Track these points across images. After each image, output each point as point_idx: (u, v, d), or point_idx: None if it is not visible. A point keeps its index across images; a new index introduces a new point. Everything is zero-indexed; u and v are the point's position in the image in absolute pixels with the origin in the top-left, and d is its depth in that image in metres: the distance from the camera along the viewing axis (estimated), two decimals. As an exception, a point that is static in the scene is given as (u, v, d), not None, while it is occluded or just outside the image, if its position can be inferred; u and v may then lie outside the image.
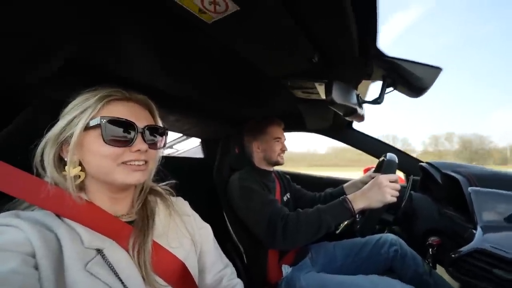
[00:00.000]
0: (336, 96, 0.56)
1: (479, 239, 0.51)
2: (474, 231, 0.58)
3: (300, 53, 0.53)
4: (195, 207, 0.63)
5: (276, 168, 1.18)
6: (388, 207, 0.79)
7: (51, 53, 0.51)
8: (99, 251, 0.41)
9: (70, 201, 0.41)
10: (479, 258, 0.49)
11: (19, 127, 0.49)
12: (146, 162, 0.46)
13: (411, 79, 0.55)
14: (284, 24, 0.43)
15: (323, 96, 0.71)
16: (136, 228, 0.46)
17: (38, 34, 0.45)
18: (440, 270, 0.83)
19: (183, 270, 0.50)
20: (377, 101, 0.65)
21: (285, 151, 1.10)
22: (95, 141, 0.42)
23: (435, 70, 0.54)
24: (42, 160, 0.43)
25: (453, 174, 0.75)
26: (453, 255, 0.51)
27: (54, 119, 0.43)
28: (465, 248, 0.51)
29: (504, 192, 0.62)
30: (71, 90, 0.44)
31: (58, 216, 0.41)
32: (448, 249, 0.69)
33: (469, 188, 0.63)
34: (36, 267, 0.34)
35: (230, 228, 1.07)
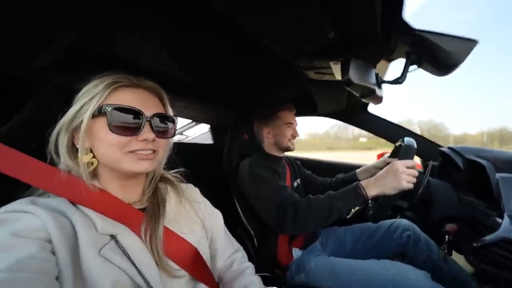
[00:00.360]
0: (353, 75, 0.51)
1: (506, 227, 0.48)
2: (498, 219, 0.55)
3: (316, 28, 0.48)
4: (205, 193, 0.63)
5: (287, 153, 1.16)
6: (403, 194, 0.76)
7: (57, 40, 0.50)
8: (113, 237, 0.41)
9: (83, 188, 0.41)
10: (505, 248, 0.46)
11: (31, 114, 0.49)
12: (154, 151, 0.45)
13: (440, 54, 0.49)
14: None
15: (338, 77, 0.66)
16: (147, 215, 0.47)
17: (44, 20, 0.44)
18: (455, 257, 0.82)
19: (195, 254, 0.51)
20: (399, 80, 0.60)
21: (296, 137, 1.07)
22: (102, 129, 0.41)
23: (470, 43, 0.48)
24: (56, 147, 0.43)
25: (477, 159, 0.71)
26: (475, 244, 0.49)
27: (67, 105, 0.43)
28: (490, 237, 0.48)
29: (535, 178, 0.58)
30: (80, 76, 0.44)
31: (72, 203, 0.41)
32: (466, 236, 0.66)
33: (497, 175, 0.59)
34: (54, 252, 0.35)
35: (240, 212, 1.08)
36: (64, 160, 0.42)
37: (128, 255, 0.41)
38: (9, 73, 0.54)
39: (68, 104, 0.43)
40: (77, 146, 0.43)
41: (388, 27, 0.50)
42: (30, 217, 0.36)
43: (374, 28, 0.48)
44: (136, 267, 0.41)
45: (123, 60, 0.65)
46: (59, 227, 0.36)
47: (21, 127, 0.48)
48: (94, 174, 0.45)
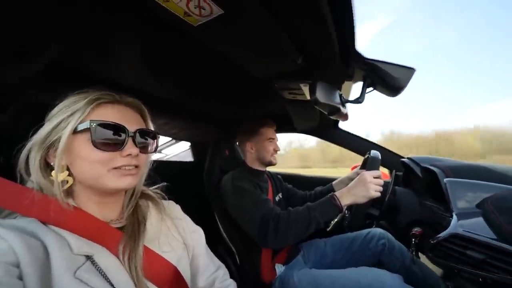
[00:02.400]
0: (320, 95, 0.59)
1: (454, 224, 0.56)
2: (451, 219, 0.62)
3: (284, 55, 0.56)
4: (186, 210, 0.63)
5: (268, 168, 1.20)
6: (373, 202, 0.83)
7: (36, 54, 0.50)
8: (89, 257, 0.40)
9: (56, 208, 0.40)
10: (454, 242, 0.53)
11: (0, 127, 0.47)
12: (137, 166, 0.45)
13: (388, 79, 0.59)
14: (267, 27, 0.46)
15: (308, 96, 0.74)
16: (126, 234, 0.45)
17: (22, 34, 0.44)
18: (423, 259, 0.88)
19: (176, 274, 0.50)
20: (359, 100, 0.69)
21: (278, 151, 1.12)
22: (84, 146, 0.41)
23: (409, 71, 0.58)
24: (27, 165, 0.41)
25: (431, 167, 0.81)
26: (432, 241, 0.55)
27: (38, 122, 0.42)
28: (442, 234, 0.55)
29: (475, 181, 0.68)
30: (56, 92, 0.43)
31: (44, 223, 0.39)
32: (429, 238, 0.73)
33: (445, 179, 0.68)
34: (21, 277, 0.33)
35: (222, 230, 1.07)
36: (36, 178, 0.41)
37: (106, 276, 0.40)
38: None
39: (40, 121, 0.42)
40: (52, 164, 0.42)
41: (346, 55, 0.59)
42: None
43: (333, 56, 0.57)
44: None
45: (103, 77, 0.65)
46: (28, 249, 0.34)
47: None
48: (69, 193, 0.43)
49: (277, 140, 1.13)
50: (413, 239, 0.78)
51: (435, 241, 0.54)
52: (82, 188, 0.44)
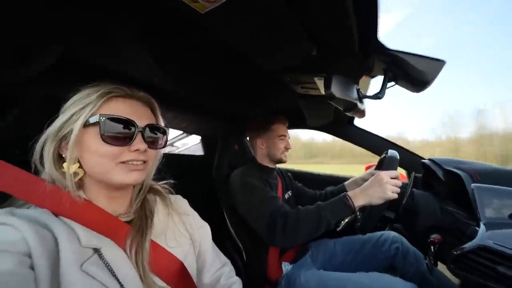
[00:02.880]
0: (336, 90, 0.55)
1: (482, 235, 0.50)
2: (477, 228, 0.57)
3: (298, 46, 0.52)
4: (194, 205, 0.62)
5: (278, 165, 1.17)
6: (389, 204, 0.78)
7: (44, 49, 0.51)
8: (96, 250, 0.40)
9: (68, 200, 0.40)
10: (482, 255, 0.48)
11: (15, 123, 0.49)
12: (145, 162, 0.45)
13: (413, 72, 0.54)
14: (281, 14, 0.42)
15: (322, 91, 0.70)
16: (134, 228, 0.45)
17: (31, 30, 0.45)
18: (441, 268, 0.83)
19: (182, 269, 0.49)
20: (378, 96, 0.64)
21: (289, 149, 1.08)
22: (93, 139, 0.41)
23: (439, 63, 0.52)
24: (41, 157, 0.42)
25: (455, 170, 0.74)
26: (455, 252, 0.50)
27: (52, 115, 0.42)
28: (468, 245, 0.50)
29: (507, 188, 0.61)
30: (67, 87, 0.44)
31: (55, 214, 0.40)
32: (450, 246, 0.67)
33: (472, 185, 0.62)
34: (32, 267, 0.33)
35: (229, 226, 1.07)
36: (49, 170, 0.41)
37: (112, 270, 0.40)
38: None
39: (54, 114, 0.43)
40: (64, 156, 0.42)
41: (366, 46, 0.54)
42: (9, 229, 0.34)
43: (352, 47, 0.52)
44: (119, 283, 0.40)
45: (113, 71, 0.65)
46: (40, 240, 0.35)
47: (4, 134, 0.47)
48: (80, 185, 0.44)
49: (288, 137, 1.10)
50: (432, 246, 0.72)
51: (459, 252, 0.49)
52: (92, 181, 0.44)
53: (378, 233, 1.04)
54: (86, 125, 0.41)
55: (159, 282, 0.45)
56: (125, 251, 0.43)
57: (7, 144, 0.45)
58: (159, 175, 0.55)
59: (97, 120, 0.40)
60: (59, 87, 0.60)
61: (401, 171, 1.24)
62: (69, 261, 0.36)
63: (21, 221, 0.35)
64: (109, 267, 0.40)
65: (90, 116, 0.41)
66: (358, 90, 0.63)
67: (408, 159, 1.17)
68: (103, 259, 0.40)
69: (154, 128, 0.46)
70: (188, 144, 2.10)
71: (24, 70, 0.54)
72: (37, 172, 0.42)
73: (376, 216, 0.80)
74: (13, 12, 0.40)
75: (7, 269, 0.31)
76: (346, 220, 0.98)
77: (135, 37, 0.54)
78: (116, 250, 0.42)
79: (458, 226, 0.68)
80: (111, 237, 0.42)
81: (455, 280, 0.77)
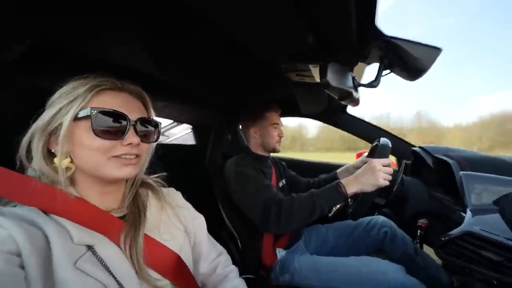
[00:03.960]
0: (331, 78, 0.53)
1: (469, 222, 0.52)
2: (463, 213, 0.59)
3: (294, 33, 0.49)
4: (188, 195, 0.62)
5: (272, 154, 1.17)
6: (380, 191, 0.80)
7: (21, 34, 0.46)
8: (90, 247, 0.39)
9: (58, 196, 0.39)
10: (468, 241, 0.50)
11: None
12: (137, 156, 0.44)
13: (409, 60, 0.52)
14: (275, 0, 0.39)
15: (317, 79, 0.68)
16: (127, 223, 0.45)
17: (5, 12, 0.41)
18: (427, 250, 0.87)
19: (178, 262, 0.49)
20: (373, 84, 0.63)
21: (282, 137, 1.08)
22: (84, 133, 0.39)
23: (435, 51, 0.51)
24: (28, 152, 0.40)
25: (444, 158, 0.76)
26: (443, 238, 0.53)
27: (37, 108, 0.40)
28: (455, 231, 0.52)
29: (493, 176, 0.63)
30: (52, 79, 0.41)
31: (44, 212, 0.38)
32: (436, 230, 0.71)
33: (460, 172, 0.64)
34: (22, 266, 0.32)
35: (224, 215, 1.07)
36: (39, 166, 0.40)
37: (107, 266, 0.39)
38: None
39: (39, 107, 0.40)
40: (53, 151, 0.40)
41: (363, 33, 0.52)
42: None
43: (350, 34, 0.50)
44: (115, 279, 0.39)
45: (101, 60, 0.61)
46: (29, 239, 0.33)
47: None
48: (71, 181, 0.42)
49: (281, 125, 1.09)
50: (419, 231, 0.76)
51: (446, 238, 0.52)
52: (84, 177, 0.43)
53: (368, 218, 1.08)
54: (76, 119, 0.39)
55: (155, 275, 0.45)
56: (119, 246, 0.42)
57: None
58: (151, 168, 0.53)
59: (88, 114, 0.39)
60: (43, 78, 0.56)
61: (392, 159, 1.27)
62: (61, 259, 0.35)
63: (8, 220, 0.34)
64: (103, 263, 0.39)
65: (80, 110, 0.39)
66: (353, 78, 0.62)
67: (399, 146, 1.19)
68: (97, 255, 0.39)
69: (146, 121, 0.45)
70: (180, 133, 2.05)
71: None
72: (21, 168, 0.40)
73: (368, 202, 0.83)
74: None
75: None
76: (338, 207, 1.01)
77: (123, 22, 0.50)
78: (110, 246, 0.41)
79: (445, 211, 0.70)
80: (104, 233, 0.42)
81: (439, 261, 0.82)
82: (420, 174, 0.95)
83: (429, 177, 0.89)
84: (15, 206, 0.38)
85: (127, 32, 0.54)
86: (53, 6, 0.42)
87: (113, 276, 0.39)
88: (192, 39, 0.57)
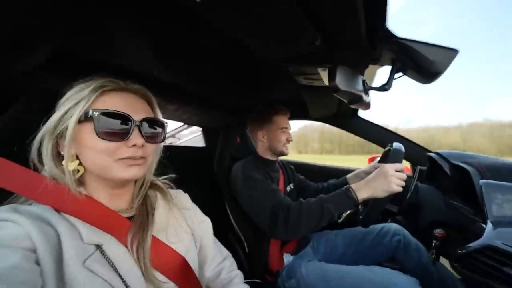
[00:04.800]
0: (340, 82, 0.52)
1: (490, 234, 0.49)
2: (483, 224, 0.55)
3: (301, 35, 0.49)
4: (196, 197, 0.62)
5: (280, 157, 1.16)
6: (393, 198, 0.77)
7: (39, 42, 0.49)
8: (98, 247, 0.40)
9: (69, 196, 0.40)
10: (489, 255, 0.46)
11: (13, 120, 0.48)
12: (143, 157, 0.44)
13: (423, 63, 0.50)
14: (283, 1, 0.39)
15: (326, 82, 0.67)
16: (135, 224, 0.45)
17: (25, 22, 0.43)
18: (443, 262, 0.82)
19: (184, 264, 0.49)
20: (385, 87, 0.60)
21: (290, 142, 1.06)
22: (89, 136, 0.40)
23: (451, 53, 0.49)
24: (39, 155, 0.41)
25: (463, 165, 0.72)
26: (460, 251, 0.49)
27: (50, 111, 0.41)
28: (474, 244, 0.48)
29: (518, 185, 0.59)
30: (65, 81, 0.42)
31: (57, 211, 0.40)
32: (453, 242, 0.66)
33: (481, 181, 0.60)
34: (38, 262, 0.34)
35: (231, 217, 1.07)
36: (49, 168, 0.41)
37: (114, 266, 0.40)
38: None
39: (52, 110, 0.41)
40: (62, 153, 0.41)
41: (373, 35, 0.51)
42: (12, 225, 0.34)
43: (359, 36, 0.49)
44: (121, 279, 0.40)
45: (110, 64, 0.63)
46: (43, 236, 0.35)
47: (3, 132, 0.46)
48: (81, 182, 0.43)
49: (290, 129, 1.07)
50: (435, 241, 0.71)
51: (464, 251, 0.48)
52: (93, 178, 0.44)
53: (380, 225, 1.04)
54: (81, 121, 0.39)
55: (160, 277, 0.45)
56: (126, 247, 0.43)
57: (6, 142, 0.44)
58: (160, 170, 0.54)
59: (91, 115, 0.39)
60: (56, 82, 0.59)
61: (405, 164, 1.21)
62: (71, 257, 0.36)
63: (24, 218, 0.35)
64: (111, 263, 0.40)
65: (84, 112, 0.39)
66: (363, 82, 0.60)
67: (414, 151, 1.14)
68: (105, 255, 0.40)
69: (151, 121, 0.45)
70: (190, 135, 2.09)
71: (18, 65, 0.52)
72: (36, 170, 0.41)
73: (379, 209, 0.79)
74: (4, 5, 0.38)
75: (12, 263, 0.31)
76: (348, 212, 0.97)
77: (136, 29, 0.51)
78: (118, 247, 0.42)
79: (463, 222, 0.66)
80: (112, 233, 0.42)
81: (457, 275, 0.77)
82: (436, 181, 0.91)
83: (446, 185, 0.84)
84: (30, 204, 0.40)
85: (134, 38, 0.56)
86: (66, 15, 0.44)
87: (120, 276, 0.40)
88: (203, 44, 0.58)
